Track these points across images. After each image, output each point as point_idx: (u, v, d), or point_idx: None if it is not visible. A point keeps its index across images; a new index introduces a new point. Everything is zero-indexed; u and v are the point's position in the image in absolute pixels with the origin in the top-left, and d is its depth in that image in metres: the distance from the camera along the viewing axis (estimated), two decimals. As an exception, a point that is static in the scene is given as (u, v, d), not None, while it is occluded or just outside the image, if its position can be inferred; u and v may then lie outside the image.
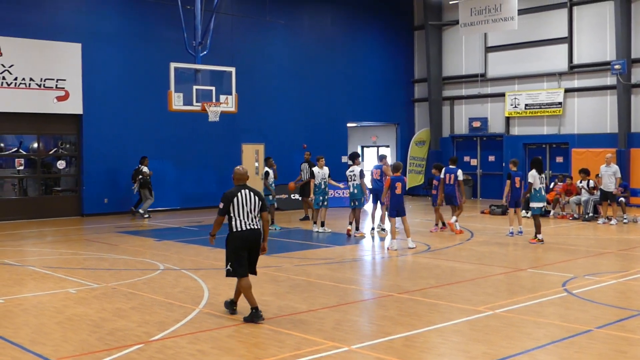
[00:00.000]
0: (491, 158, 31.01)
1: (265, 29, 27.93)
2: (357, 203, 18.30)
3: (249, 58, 27.10)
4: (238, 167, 9.71)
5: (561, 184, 23.26)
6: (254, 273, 9.53)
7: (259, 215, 9.49)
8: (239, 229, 9.27)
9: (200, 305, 10.02)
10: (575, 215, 22.12)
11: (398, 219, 15.97)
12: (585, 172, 22.08)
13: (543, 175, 17.32)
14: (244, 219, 9.29)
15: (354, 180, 18.30)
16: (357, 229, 18.41)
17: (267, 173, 20.21)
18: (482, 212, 24.10)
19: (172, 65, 18.99)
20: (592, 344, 8.01)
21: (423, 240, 16.97)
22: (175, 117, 23.85)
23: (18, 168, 22.95)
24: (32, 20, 22.53)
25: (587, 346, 7.92)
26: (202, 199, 25.18)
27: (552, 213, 22.65)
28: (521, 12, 28.10)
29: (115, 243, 17.00)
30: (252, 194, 9.40)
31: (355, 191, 18.24)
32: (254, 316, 9.09)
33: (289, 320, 9.13)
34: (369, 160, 37.74)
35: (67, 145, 24.15)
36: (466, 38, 31.31)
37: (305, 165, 22.27)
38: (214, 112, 19.46)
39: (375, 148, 37.21)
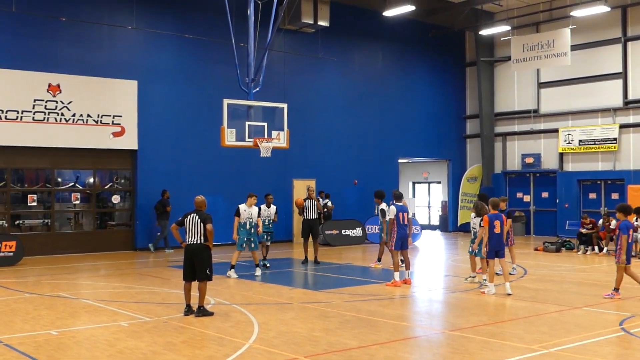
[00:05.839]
0: (544, 194, 30.58)
1: (317, 66, 28.21)
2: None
3: (301, 94, 27.39)
4: (197, 196, 12.17)
5: (607, 218, 22.75)
6: (200, 280, 11.69)
7: (203, 232, 11.67)
8: (187, 243, 11.79)
9: (250, 340, 10.02)
10: (632, 254, 21.57)
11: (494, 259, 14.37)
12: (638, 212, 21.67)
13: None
14: (188, 235, 11.80)
15: None
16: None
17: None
18: (536, 249, 23.71)
19: (225, 101, 19.25)
20: (651, 386, 7.78)
21: (478, 277, 16.71)
22: (228, 153, 24.11)
23: (74, 202, 23.41)
24: (90, 58, 23.13)
25: (645, 388, 7.70)
26: (253, 234, 25.16)
27: (605, 250, 22.22)
28: (574, 47, 27.92)
29: (167, 277, 17.17)
30: (196, 216, 11.77)
31: None
32: (185, 311, 11.70)
33: (339, 356, 9.06)
34: (421, 196, 37.63)
35: (122, 180, 24.59)
36: (518, 74, 31.18)
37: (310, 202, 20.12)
38: (265, 148, 19.63)
39: (427, 184, 37.07)
